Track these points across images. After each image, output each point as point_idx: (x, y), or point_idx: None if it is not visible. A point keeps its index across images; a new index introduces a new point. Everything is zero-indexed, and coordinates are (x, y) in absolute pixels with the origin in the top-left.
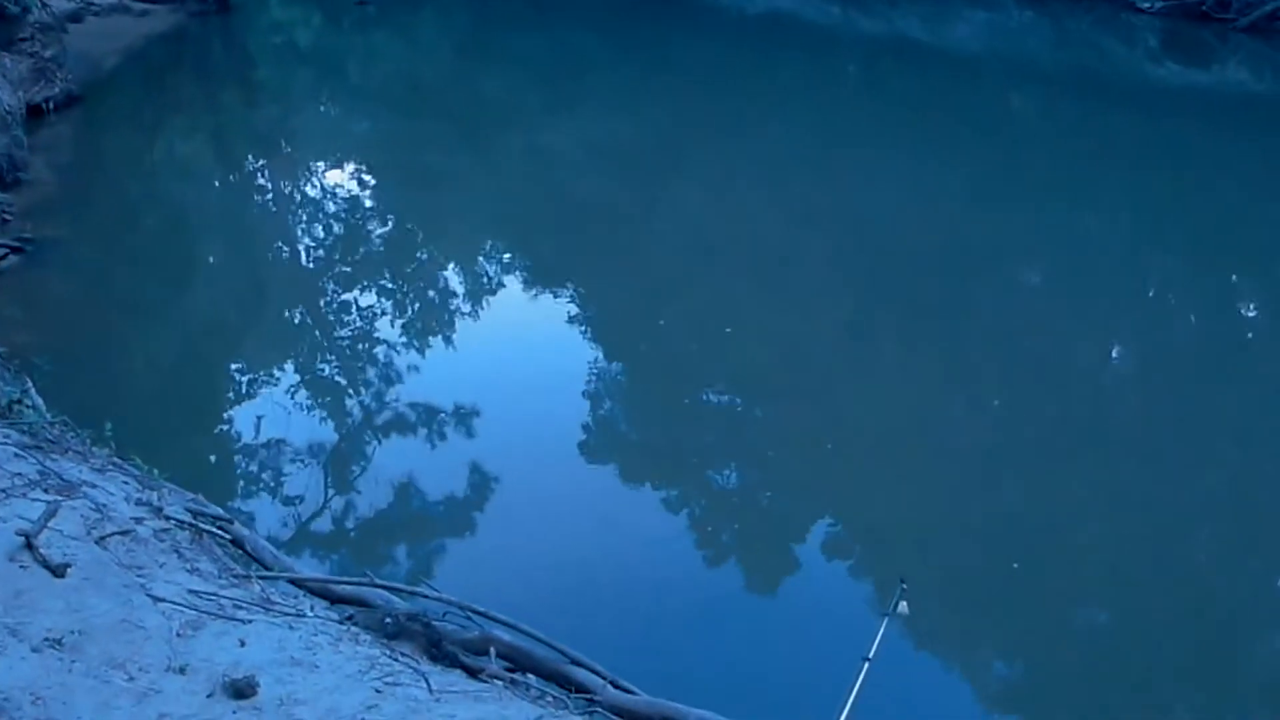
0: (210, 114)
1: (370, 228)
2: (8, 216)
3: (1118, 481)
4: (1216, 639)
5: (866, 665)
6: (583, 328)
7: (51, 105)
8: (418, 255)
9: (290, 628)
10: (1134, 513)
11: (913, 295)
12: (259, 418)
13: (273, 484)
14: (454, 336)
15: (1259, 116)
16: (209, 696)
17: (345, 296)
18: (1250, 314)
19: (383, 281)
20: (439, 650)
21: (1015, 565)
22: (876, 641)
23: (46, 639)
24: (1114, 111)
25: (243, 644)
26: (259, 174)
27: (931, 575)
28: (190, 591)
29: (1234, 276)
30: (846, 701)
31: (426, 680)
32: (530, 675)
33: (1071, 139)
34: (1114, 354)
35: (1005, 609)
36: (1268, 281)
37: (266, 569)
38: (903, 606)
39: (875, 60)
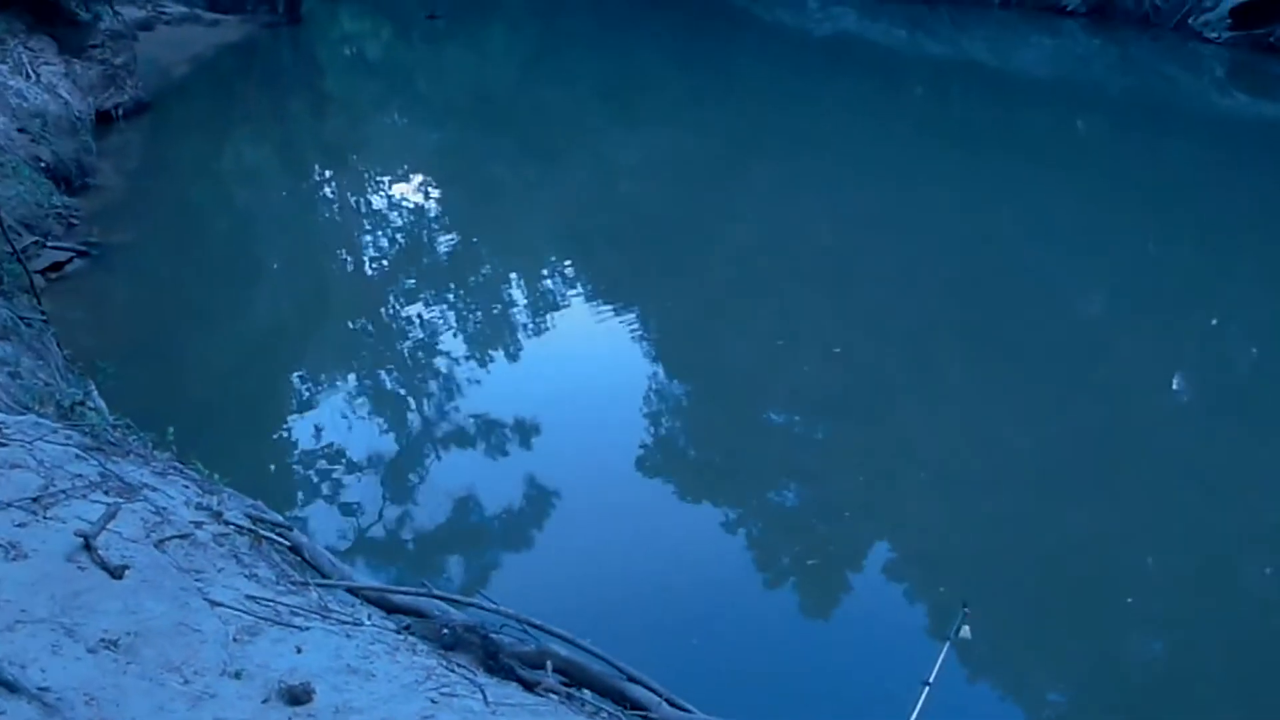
0: (278, 123)
1: (434, 239)
2: (75, 221)
3: (1177, 511)
4: (1272, 673)
5: (926, 689)
6: (643, 342)
7: (121, 112)
8: (481, 267)
9: (347, 636)
10: (1193, 543)
11: (974, 317)
12: (319, 426)
13: (331, 492)
14: (515, 349)
15: None
16: (264, 702)
17: (408, 307)
18: None
19: (445, 293)
20: (495, 662)
21: (1076, 594)
22: (937, 665)
23: (102, 640)
24: (1180, 140)
25: (299, 651)
26: (325, 183)
27: (990, 600)
28: (248, 597)
29: None
30: None
31: (483, 692)
32: (586, 690)
33: (1137, 166)
34: (1175, 383)
35: (1064, 636)
36: None
37: (324, 577)
38: (965, 631)
39: (941, 83)
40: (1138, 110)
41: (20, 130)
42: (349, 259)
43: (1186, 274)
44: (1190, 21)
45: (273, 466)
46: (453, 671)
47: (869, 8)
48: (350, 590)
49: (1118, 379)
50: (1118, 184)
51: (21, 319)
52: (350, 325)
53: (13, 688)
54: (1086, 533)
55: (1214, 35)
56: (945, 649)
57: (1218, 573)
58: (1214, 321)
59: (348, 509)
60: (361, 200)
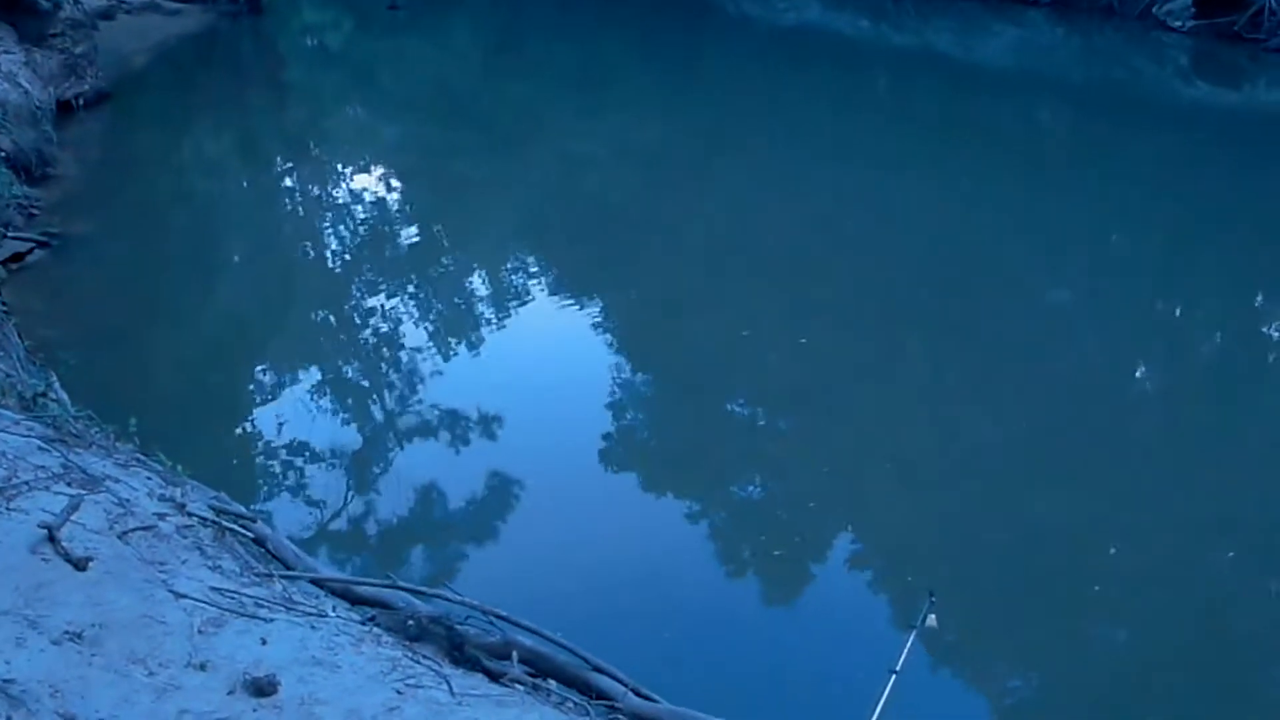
0: (239, 114)
1: (397, 231)
2: (35, 211)
3: (1142, 500)
4: (1240, 660)
5: (894, 678)
6: (606, 335)
7: (81, 102)
8: (444, 259)
9: (312, 627)
10: (1159, 531)
11: (937, 309)
12: (282, 417)
13: (295, 484)
14: (478, 341)
15: None
16: (229, 694)
17: (370, 299)
18: (1277, 334)
19: (408, 285)
20: (461, 653)
21: (1042, 582)
22: (904, 654)
23: (66, 632)
24: (1143, 129)
25: (264, 642)
26: (287, 175)
27: (956, 589)
28: (212, 589)
29: (1261, 297)
30: (873, 714)
31: (448, 683)
32: (551, 681)
33: (1100, 156)
34: (1139, 372)
35: (1029, 625)
36: None
37: (288, 568)
38: (931, 620)
39: (905, 74)
40: (1102, 100)
41: None
42: (311, 250)
43: (1150, 263)
44: (1154, 10)
45: (236, 458)
46: (418, 663)
47: None
48: (314, 582)
49: (1083, 368)
50: (1081, 174)
51: None
52: (313, 317)
53: None
54: (1053, 522)
55: (1178, 24)
56: (911, 638)
57: (1183, 561)
58: (1178, 310)
59: (311, 501)
60: (324, 192)
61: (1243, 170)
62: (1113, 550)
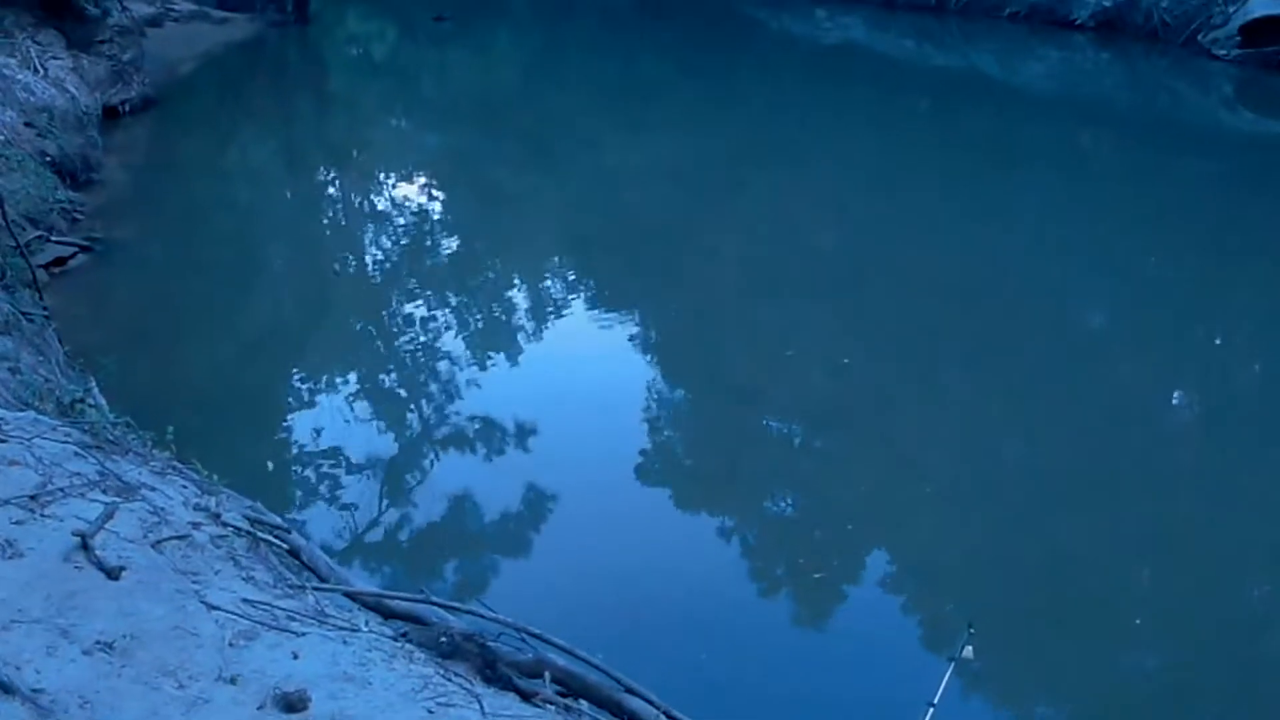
0: (283, 122)
1: (436, 241)
2: (78, 216)
3: (1179, 527)
4: (1272, 690)
5: (931, 711)
6: (644, 349)
7: (127, 107)
8: (482, 270)
9: (344, 642)
10: (1196, 560)
11: (975, 331)
12: (319, 426)
13: (330, 494)
14: (516, 354)
15: None
16: (259, 708)
17: (409, 309)
18: None
19: (447, 295)
20: (493, 672)
21: (1078, 611)
22: (942, 686)
23: (98, 642)
24: (1186, 156)
25: (295, 656)
26: (329, 183)
27: (991, 616)
28: (245, 600)
29: None
30: None
31: (480, 703)
32: (584, 701)
33: (1141, 181)
34: (1175, 398)
35: (1065, 654)
36: None
37: (322, 580)
38: (968, 651)
39: (947, 94)
40: (1144, 125)
41: (27, 124)
42: (351, 259)
43: (1190, 290)
44: (1199, 38)
45: (271, 467)
46: (450, 680)
47: (877, 18)
48: (348, 595)
49: (1121, 393)
50: (1122, 199)
51: (23, 314)
52: (352, 326)
53: (7, 689)
54: (1089, 549)
55: (1223, 52)
56: (950, 670)
57: (1220, 590)
58: (1217, 339)
59: (346, 511)
60: (365, 201)
61: None
62: (1149, 578)
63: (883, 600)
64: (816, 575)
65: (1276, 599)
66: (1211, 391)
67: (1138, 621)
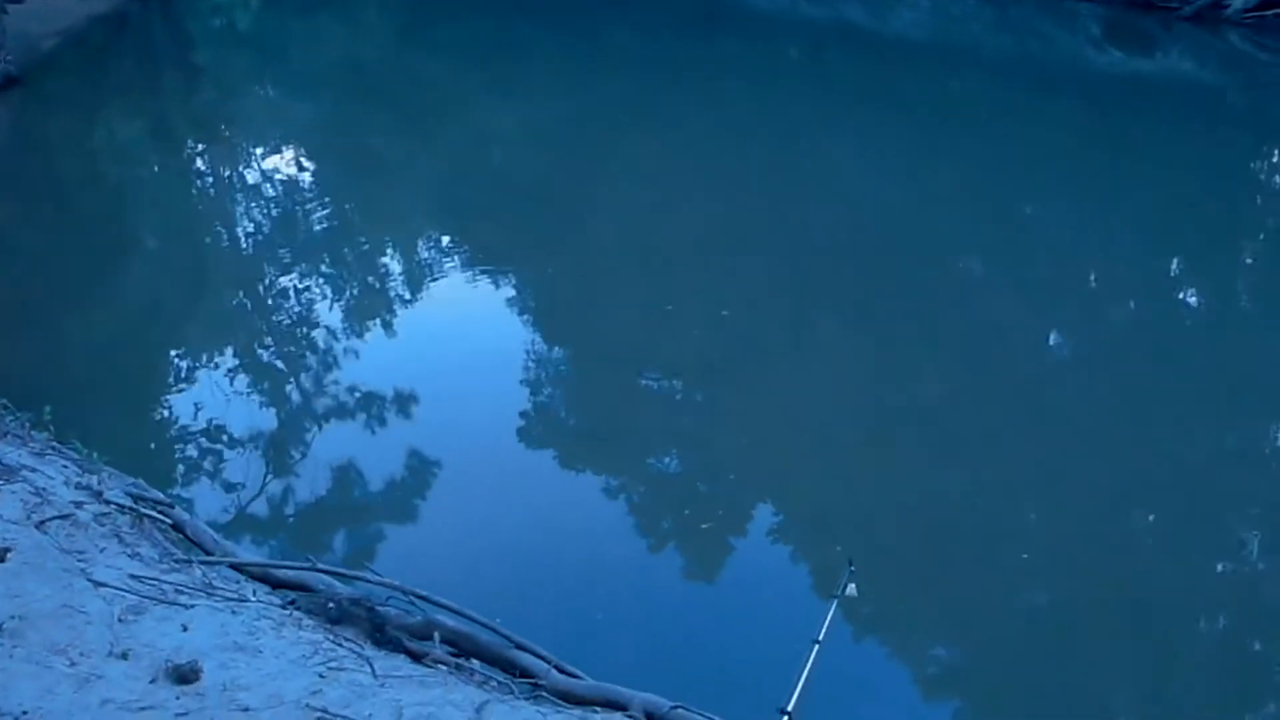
0: (150, 97)
1: (310, 212)
2: None
3: (1058, 465)
4: (1156, 622)
5: (816, 647)
6: (522, 312)
7: None
8: (357, 239)
9: (233, 613)
10: (1074, 496)
11: (853, 280)
12: (198, 402)
13: (212, 469)
14: (393, 321)
15: (1202, 106)
16: (152, 682)
17: (284, 281)
18: (1190, 300)
19: (322, 266)
20: (382, 635)
21: (961, 550)
22: (825, 623)
23: None
24: (1057, 99)
25: (185, 629)
26: (198, 158)
27: (876, 559)
28: (131, 576)
29: (1175, 264)
30: (797, 684)
31: (370, 665)
32: (475, 660)
33: (1014, 126)
34: (1053, 338)
35: (949, 591)
36: (1208, 269)
37: (207, 554)
38: (851, 589)
39: (818, 46)
40: (1014, 70)
41: None
42: (224, 234)
43: (1064, 231)
44: None
45: (152, 444)
46: (340, 645)
47: None
48: (234, 567)
49: (998, 336)
50: (996, 143)
51: None
52: (227, 300)
53: None
54: (971, 490)
55: None
56: (833, 607)
57: (1101, 526)
58: (1092, 278)
59: (229, 485)
60: (235, 174)
61: (1155, 138)
62: (1031, 517)
63: (769, 548)
64: (704, 526)
65: (1158, 533)
66: (1088, 331)
67: (1019, 558)
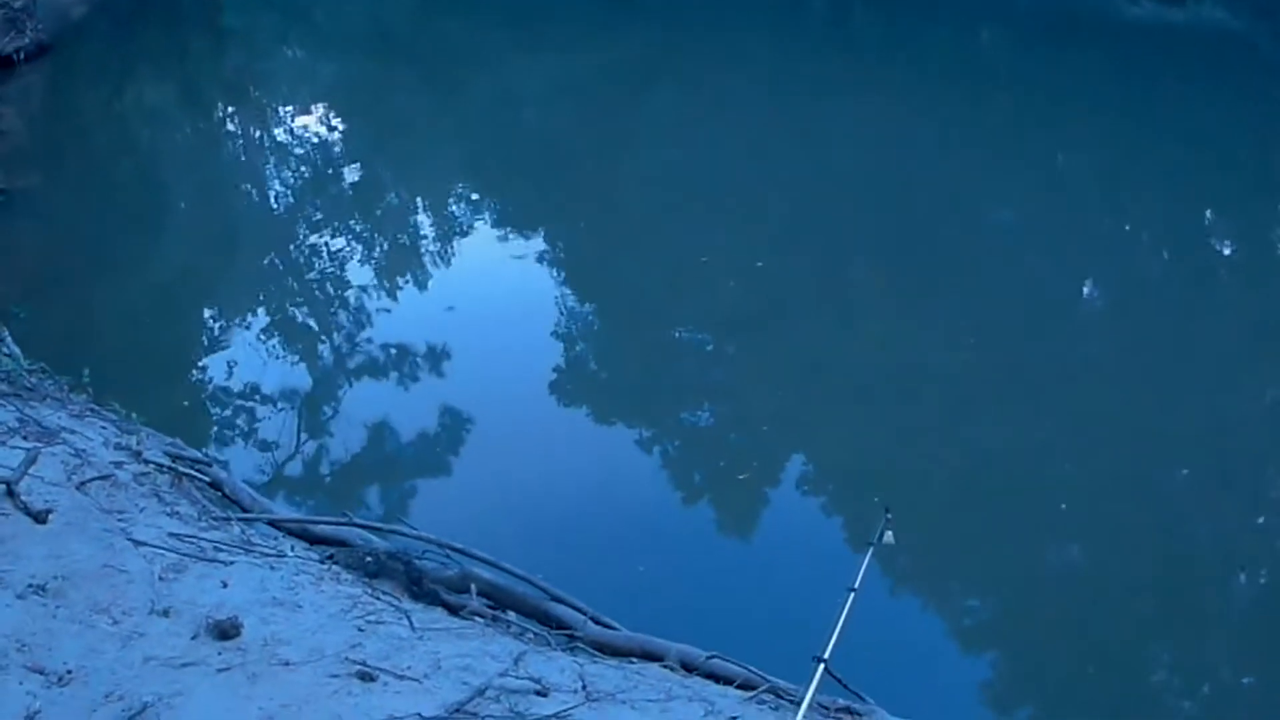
0: (179, 62)
1: (340, 171)
2: None
3: (1092, 417)
4: (1191, 575)
5: (852, 595)
6: (553, 268)
7: (22, 55)
8: (387, 198)
9: (271, 568)
10: (1109, 449)
11: (885, 232)
12: (233, 361)
13: (248, 428)
14: (425, 279)
15: (1234, 56)
16: (193, 638)
17: (316, 240)
18: (1224, 250)
19: (353, 225)
20: (420, 588)
21: (996, 500)
22: (862, 571)
23: (30, 585)
24: (1088, 50)
25: (225, 585)
26: (228, 120)
27: (911, 508)
28: (171, 535)
29: (1208, 214)
30: (833, 632)
31: (409, 618)
32: (511, 613)
33: (1043, 77)
34: (1086, 290)
35: (984, 542)
36: (1241, 219)
37: (245, 511)
38: (888, 536)
39: None
40: (1044, 21)
41: None
42: (255, 195)
43: (1095, 182)
44: None
45: (189, 404)
46: (378, 599)
47: None
48: (272, 523)
49: (1030, 287)
50: (1025, 94)
51: None
52: (259, 260)
53: None
54: (1005, 440)
55: None
56: (869, 555)
57: (1136, 477)
58: (1125, 228)
59: (265, 443)
60: (265, 136)
61: (1187, 89)
62: (1066, 468)
63: (803, 499)
64: (741, 476)
65: (1194, 486)
66: (1122, 282)
67: (1054, 509)
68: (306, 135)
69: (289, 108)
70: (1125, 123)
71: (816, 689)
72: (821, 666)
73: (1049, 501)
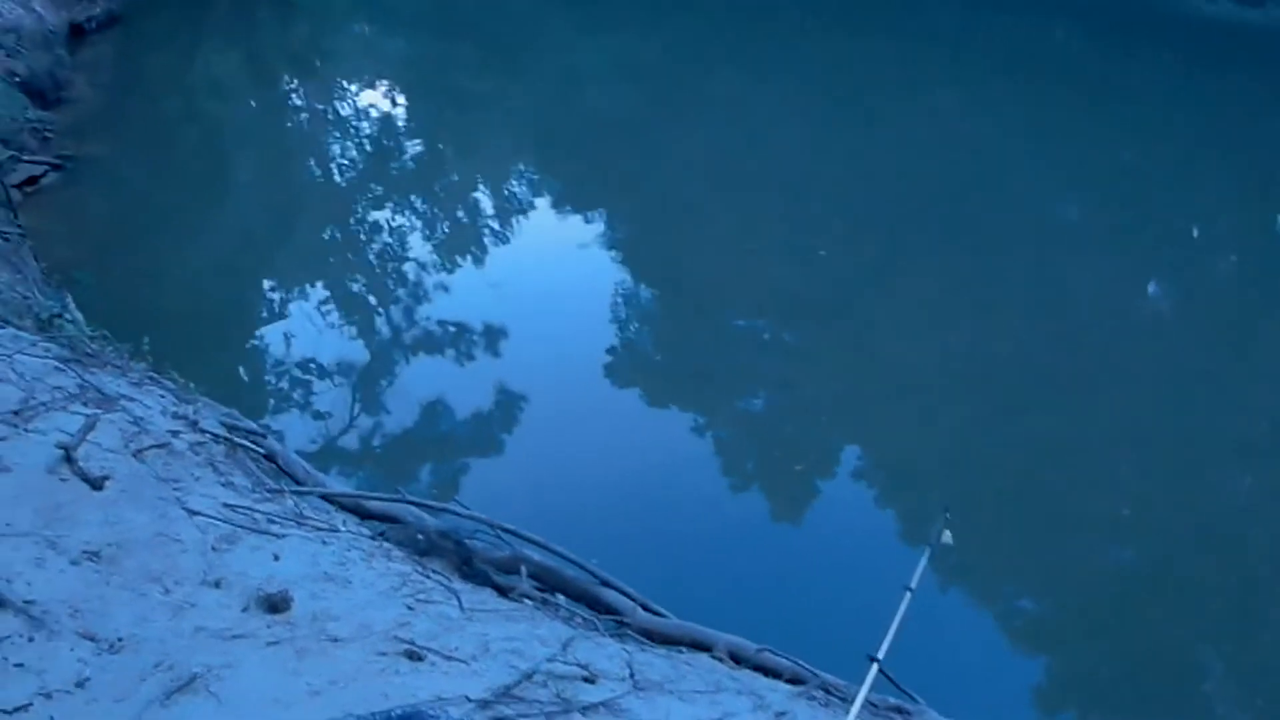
0: (246, 34)
1: (402, 146)
2: (49, 134)
3: (1154, 418)
4: (1250, 581)
5: (909, 595)
6: (612, 249)
7: (93, 25)
8: (448, 174)
9: (323, 543)
10: (1169, 449)
11: (948, 225)
12: (291, 333)
13: (304, 399)
14: (483, 256)
15: None
16: (244, 610)
17: (376, 215)
18: None
19: (413, 200)
20: (470, 568)
21: (1053, 500)
22: (918, 571)
23: (85, 551)
24: (1161, 47)
25: (277, 558)
26: (293, 93)
27: (967, 506)
28: (225, 505)
29: (1279, 218)
30: (888, 632)
31: (458, 598)
32: (560, 595)
33: (1116, 74)
34: (1151, 289)
35: (1040, 542)
36: None
37: (299, 484)
38: (946, 536)
39: None
40: (1120, 16)
41: None
42: (318, 167)
43: (1163, 181)
44: None
45: (246, 375)
46: (428, 578)
47: None
48: (325, 497)
49: (1094, 285)
50: (1097, 91)
51: None
52: (321, 233)
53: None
54: (1066, 441)
55: None
56: (926, 555)
57: (1195, 481)
58: (1193, 230)
59: (321, 415)
60: (329, 109)
61: (1261, 90)
62: (1124, 468)
63: (857, 492)
64: (798, 468)
65: (1253, 490)
66: (1187, 283)
67: (1112, 511)
68: (370, 110)
69: (354, 83)
70: (1197, 122)
71: (870, 689)
72: (875, 666)
73: (1106, 502)
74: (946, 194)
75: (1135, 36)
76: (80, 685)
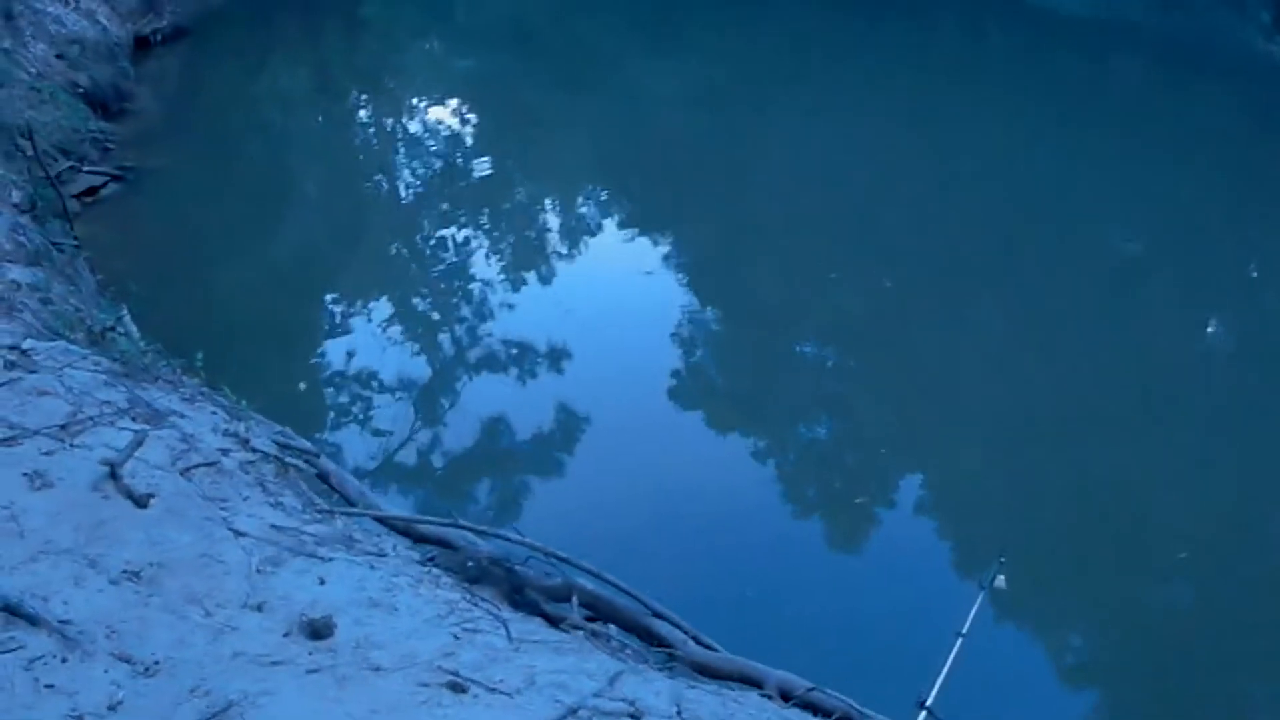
0: (314, 50)
1: (468, 165)
2: (110, 145)
3: (1212, 458)
4: None
5: (960, 640)
6: (677, 272)
7: (159, 37)
8: (514, 194)
9: (371, 567)
10: (1231, 494)
11: (1012, 259)
12: (349, 351)
13: (360, 418)
14: (548, 275)
15: None
16: (285, 635)
17: (441, 232)
18: None
19: (479, 219)
20: (520, 596)
21: (1109, 542)
22: (971, 616)
23: (125, 571)
24: (1217, 84)
25: (322, 582)
26: (360, 109)
27: (1021, 546)
28: (272, 526)
29: None
30: (938, 677)
31: (506, 627)
32: (611, 626)
33: (1174, 110)
34: (1211, 329)
35: (1097, 586)
36: None
37: (350, 504)
38: (1000, 580)
39: (975, 17)
40: (1176, 52)
41: (58, 56)
42: (383, 183)
43: (1223, 220)
44: None
45: (302, 392)
46: (476, 606)
47: None
48: (376, 519)
49: (1155, 323)
50: (1153, 128)
51: (54, 244)
52: (383, 250)
53: (34, 620)
54: (1123, 479)
55: None
56: (979, 600)
57: (1255, 525)
58: (1252, 270)
59: (376, 435)
60: (396, 125)
61: None
62: (1184, 510)
63: (915, 528)
64: (858, 501)
65: None
66: (1249, 323)
67: (1170, 555)
68: (438, 128)
69: (422, 100)
70: (1256, 160)
71: None
72: (925, 714)
73: (1163, 543)
74: (1012, 228)
75: (1193, 73)
76: (113, 709)
